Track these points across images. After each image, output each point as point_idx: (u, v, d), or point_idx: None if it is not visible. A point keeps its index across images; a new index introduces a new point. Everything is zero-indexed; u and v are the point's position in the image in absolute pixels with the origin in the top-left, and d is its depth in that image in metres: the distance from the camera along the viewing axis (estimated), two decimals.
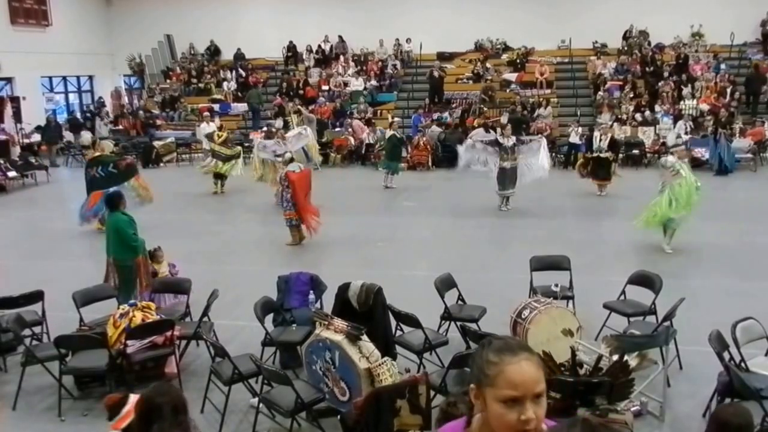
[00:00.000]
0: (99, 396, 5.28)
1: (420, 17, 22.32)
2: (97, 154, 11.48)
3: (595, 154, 13.03)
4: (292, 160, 10.33)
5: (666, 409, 4.98)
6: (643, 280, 6.26)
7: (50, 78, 22.89)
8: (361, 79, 21.88)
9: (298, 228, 9.86)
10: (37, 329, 6.21)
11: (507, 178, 11.46)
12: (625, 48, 21.36)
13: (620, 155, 15.91)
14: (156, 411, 2.97)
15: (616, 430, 3.94)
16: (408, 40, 22.78)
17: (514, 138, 11.82)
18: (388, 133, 14.94)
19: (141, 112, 21.48)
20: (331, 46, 23.47)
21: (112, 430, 3.41)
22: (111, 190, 9.05)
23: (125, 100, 24.18)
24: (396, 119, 16.82)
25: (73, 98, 24.48)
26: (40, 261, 9.48)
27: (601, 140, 12.95)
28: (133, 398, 3.43)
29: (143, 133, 20.33)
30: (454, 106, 20.12)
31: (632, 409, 4.83)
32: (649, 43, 21.30)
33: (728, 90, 18.62)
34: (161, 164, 18.68)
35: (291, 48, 23.50)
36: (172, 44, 24.97)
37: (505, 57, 22.01)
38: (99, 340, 5.41)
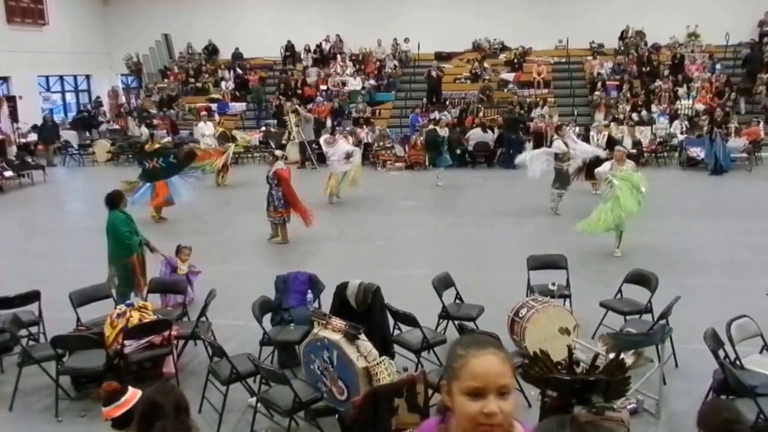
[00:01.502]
0: (96, 396, 5.28)
1: (418, 17, 22.37)
2: (157, 146, 12.16)
3: None
4: (277, 158, 10.32)
5: (662, 406, 5.01)
6: (640, 278, 6.27)
7: (47, 77, 22.87)
8: (359, 79, 21.91)
9: (285, 226, 9.97)
10: (33, 329, 6.19)
11: (564, 178, 11.53)
12: (622, 48, 21.42)
13: None
14: (158, 410, 2.96)
15: (606, 428, 3.95)
16: (406, 40, 22.81)
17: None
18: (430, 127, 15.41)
19: (172, 111, 21.36)
20: (330, 45, 23.49)
21: (105, 417, 3.43)
22: (173, 176, 11.15)
23: (122, 99, 24.18)
24: (443, 118, 17.29)
25: (70, 98, 24.47)
26: (36, 261, 9.46)
27: (598, 140, 12.94)
28: (132, 391, 3.44)
29: (175, 132, 20.19)
30: (448, 104, 20.13)
31: (628, 406, 4.86)
32: (646, 44, 21.36)
33: (726, 91, 18.75)
34: None
35: (289, 47, 23.54)
36: (169, 43, 24.96)
37: (502, 57, 22.08)
38: (96, 340, 5.41)
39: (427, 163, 17.14)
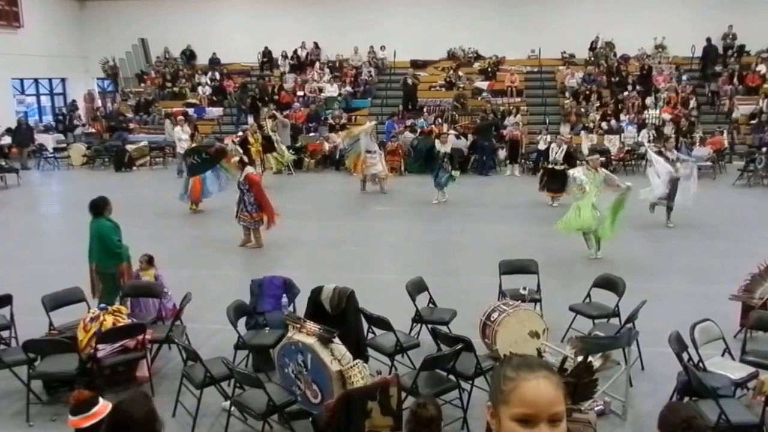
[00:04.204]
0: (68, 401, 5.25)
1: (394, 25, 22.55)
2: (194, 145, 13.20)
3: (550, 166, 12.88)
4: (246, 164, 10.47)
5: (628, 408, 5.13)
6: (607, 283, 6.42)
7: (21, 80, 22.59)
8: (335, 85, 22.00)
9: (259, 230, 10.02)
10: (5, 333, 6.14)
11: (674, 188, 10.73)
12: (592, 58, 21.85)
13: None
14: (129, 424, 2.95)
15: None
16: (382, 48, 22.96)
17: (675, 152, 11.52)
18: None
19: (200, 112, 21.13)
20: (307, 52, 23.57)
21: (70, 426, 3.41)
22: (208, 173, 12.11)
23: (98, 103, 23.94)
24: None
25: (45, 101, 24.18)
26: (8, 264, 9.31)
27: (556, 153, 12.89)
28: (102, 403, 3.44)
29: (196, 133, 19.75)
30: (425, 111, 20.32)
31: (596, 408, 4.96)
32: (615, 54, 21.85)
33: (690, 100, 19.27)
34: (134, 168, 18.56)
35: (266, 53, 23.56)
36: (146, 48, 24.80)
37: (476, 66, 22.36)
38: (68, 344, 5.38)
39: (403, 168, 17.25)
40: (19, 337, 6.02)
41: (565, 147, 13.00)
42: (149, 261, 7.19)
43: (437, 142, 14.32)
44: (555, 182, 12.61)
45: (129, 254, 6.83)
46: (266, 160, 15.79)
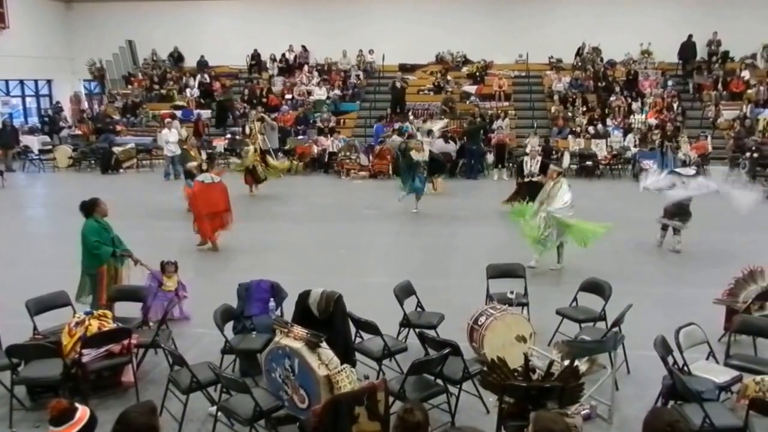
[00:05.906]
0: (48, 412, 5.21)
1: (383, 29, 22.63)
2: (185, 147, 13.81)
3: (527, 179, 12.64)
4: (203, 170, 10.57)
5: (614, 411, 5.16)
6: (594, 287, 6.45)
7: (6, 81, 22.40)
8: (324, 89, 22.01)
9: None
10: None
11: (681, 207, 10.14)
12: (579, 64, 22.02)
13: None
14: None
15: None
16: (371, 51, 23.02)
17: (693, 169, 11.04)
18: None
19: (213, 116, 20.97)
20: (295, 55, 23.57)
21: None
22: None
23: (85, 105, 23.79)
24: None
25: (30, 102, 23.98)
26: None
27: (531, 165, 12.80)
28: (82, 408, 3.41)
29: (199, 136, 19.48)
30: (411, 114, 20.35)
31: (582, 412, 4.98)
32: (602, 60, 22.06)
33: (674, 105, 19.49)
34: (121, 170, 18.45)
35: (255, 56, 23.53)
36: (133, 50, 24.70)
37: (465, 70, 22.49)
38: (53, 349, 5.31)
39: (391, 172, 17.24)
40: (2, 342, 5.94)
41: (539, 159, 12.91)
42: (176, 268, 7.22)
43: (413, 151, 13.38)
44: (533, 193, 12.45)
45: (117, 259, 6.77)
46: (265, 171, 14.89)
